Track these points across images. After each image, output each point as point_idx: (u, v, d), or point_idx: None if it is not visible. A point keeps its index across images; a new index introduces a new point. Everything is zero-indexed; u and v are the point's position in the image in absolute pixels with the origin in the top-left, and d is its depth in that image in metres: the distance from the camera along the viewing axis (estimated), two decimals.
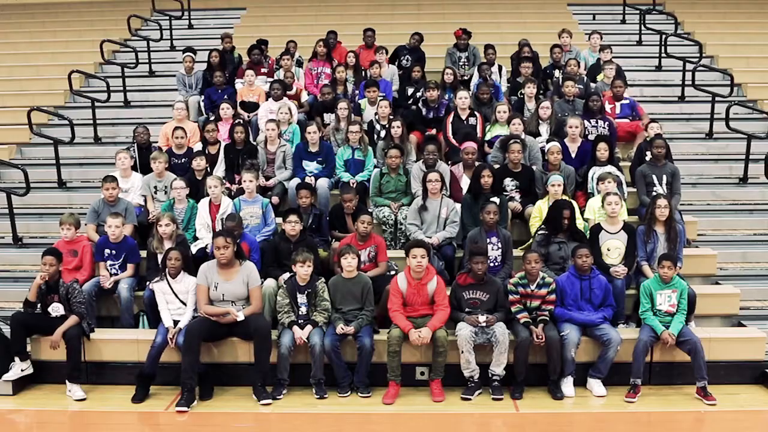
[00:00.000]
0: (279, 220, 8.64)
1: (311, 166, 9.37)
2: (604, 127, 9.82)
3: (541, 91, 10.98)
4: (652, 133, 9.46)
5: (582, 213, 8.34)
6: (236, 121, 9.81)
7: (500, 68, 11.73)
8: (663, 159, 8.84)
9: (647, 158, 9.06)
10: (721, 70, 12.36)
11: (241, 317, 7.03)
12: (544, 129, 9.67)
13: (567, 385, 7.03)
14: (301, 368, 7.15)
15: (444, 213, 8.14)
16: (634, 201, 8.92)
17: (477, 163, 8.80)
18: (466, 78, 11.68)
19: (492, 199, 8.00)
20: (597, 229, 7.81)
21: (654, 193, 8.70)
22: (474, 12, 15.79)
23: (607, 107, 10.41)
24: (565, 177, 8.52)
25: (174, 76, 12.04)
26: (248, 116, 10.63)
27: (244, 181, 8.46)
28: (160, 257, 7.59)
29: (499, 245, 7.75)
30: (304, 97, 11.27)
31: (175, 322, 7.13)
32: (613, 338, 6.93)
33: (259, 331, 6.97)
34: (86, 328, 7.22)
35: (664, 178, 8.76)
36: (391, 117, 9.76)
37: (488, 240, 7.71)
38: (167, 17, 14.91)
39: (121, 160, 9.04)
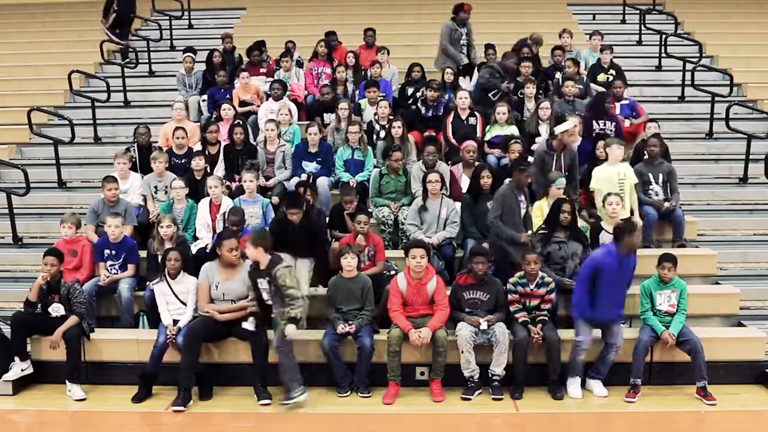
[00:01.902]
0: None
1: (310, 167, 9.37)
2: (611, 129, 9.74)
3: (541, 92, 10.97)
4: (650, 132, 9.48)
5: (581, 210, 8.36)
6: (236, 122, 9.81)
7: None
8: (658, 158, 8.89)
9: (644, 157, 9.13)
10: (721, 70, 12.36)
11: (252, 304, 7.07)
12: (544, 129, 9.65)
13: (574, 386, 7.02)
14: (301, 368, 7.15)
15: (444, 213, 8.14)
16: None
17: (477, 163, 8.80)
18: (468, 62, 11.53)
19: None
20: (597, 228, 7.82)
21: (651, 192, 8.75)
22: (474, 12, 15.66)
23: None
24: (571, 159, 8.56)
25: (174, 76, 12.05)
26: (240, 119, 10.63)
27: (245, 181, 8.47)
28: (160, 258, 7.59)
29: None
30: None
31: (175, 322, 7.13)
32: (617, 342, 6.93)
33: (253, 332, 6.97)
34: (86, 329, 7.22)
35: (660, 176, 8.84)
36: (391, 117, 9.76)
37: (520, 198, 7.71)
38: (167, 17, 14.90)
39: (121, 165, 9.03)
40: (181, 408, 6.72)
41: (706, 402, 6.79)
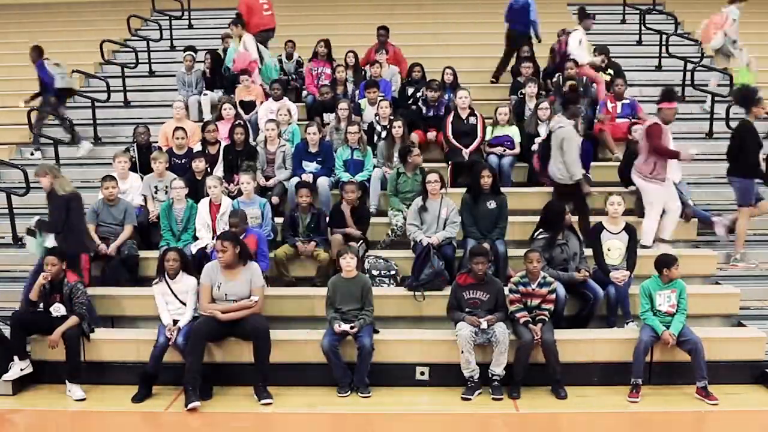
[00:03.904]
0: (279, 219, 8.67)
1: (311, 166, 9.36)
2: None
3: (542, 91, 10.96)
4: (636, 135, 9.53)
5: None
6: (236, 122, 9.81)
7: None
8: None
9: None
10: (721, 70, 12.35)
11: (255, 299, 7.07)
12: (543, 129, 9.66)
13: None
14: (302, 368, 7.18)
15: (444, 213, 8.13)
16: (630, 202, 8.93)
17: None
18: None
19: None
20: (599, 228, 7.82)
21: None
22: (474, 12, 15.78)
23: (609, 106, 10.44)
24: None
25: (174, 76, 12.05)
26: (247, 117, 10.64)
27: (242, 183, 8.46)
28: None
29: None
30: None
31: (175, 322, 7.13)
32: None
33: (258, 331, 6.97)
34: (86, 329, 7.22)
35: None
36: (392, 117, 9.76)
37: None
38: (167, 17, 14.91)
39: (121, 164, 9.02)
40: (197, 404, 6.71)
41: (709, 402, 6.78)
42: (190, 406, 6.69)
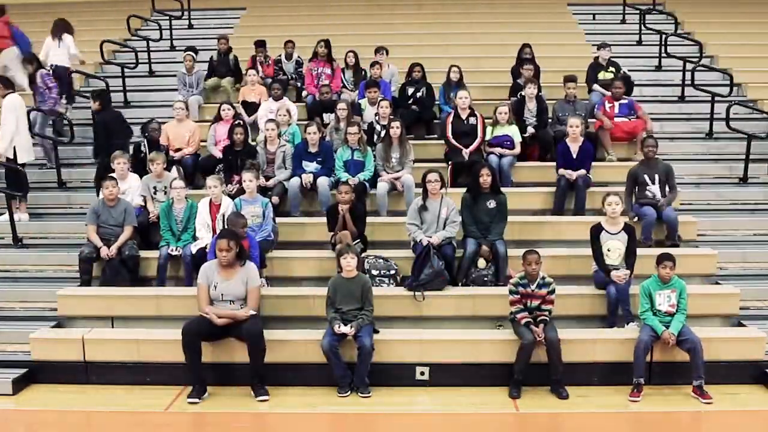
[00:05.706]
0: (279, 219, 8.66)
1: (311, 167, 9.37)
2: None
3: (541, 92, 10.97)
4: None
5: None
6: (236, 122, 9.82)
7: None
8: (654, 158, 8.93)
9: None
10: (721, 70, 12.36)
11: (252, 313, 7.04)
12: None
13: None
14: (301, 368, 7.17)
15: (444, 213, 8.12)
16: None
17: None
18: None
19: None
20: (598, 229, 7.82)
21: (648, 192, 8.76)
22: (474, 12, 15.79)
23: (606, 107, 10.45)
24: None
25: (174, 76, 12.06)
26: (250, 120, 10.64)
27: (245, 181, 8.46)
28: None
29: None
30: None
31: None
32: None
33: (251, 334, 6.96)
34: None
35: (657, 177, 8.84)
36: (392, 117, 9.76)
37: None
38: (167, 17, 14.91)
39: (120, 165, 9.00)
40: (196, 400, 6.80)
41: (702, 401, 6.78)
42: (189, 400, 6.79)
